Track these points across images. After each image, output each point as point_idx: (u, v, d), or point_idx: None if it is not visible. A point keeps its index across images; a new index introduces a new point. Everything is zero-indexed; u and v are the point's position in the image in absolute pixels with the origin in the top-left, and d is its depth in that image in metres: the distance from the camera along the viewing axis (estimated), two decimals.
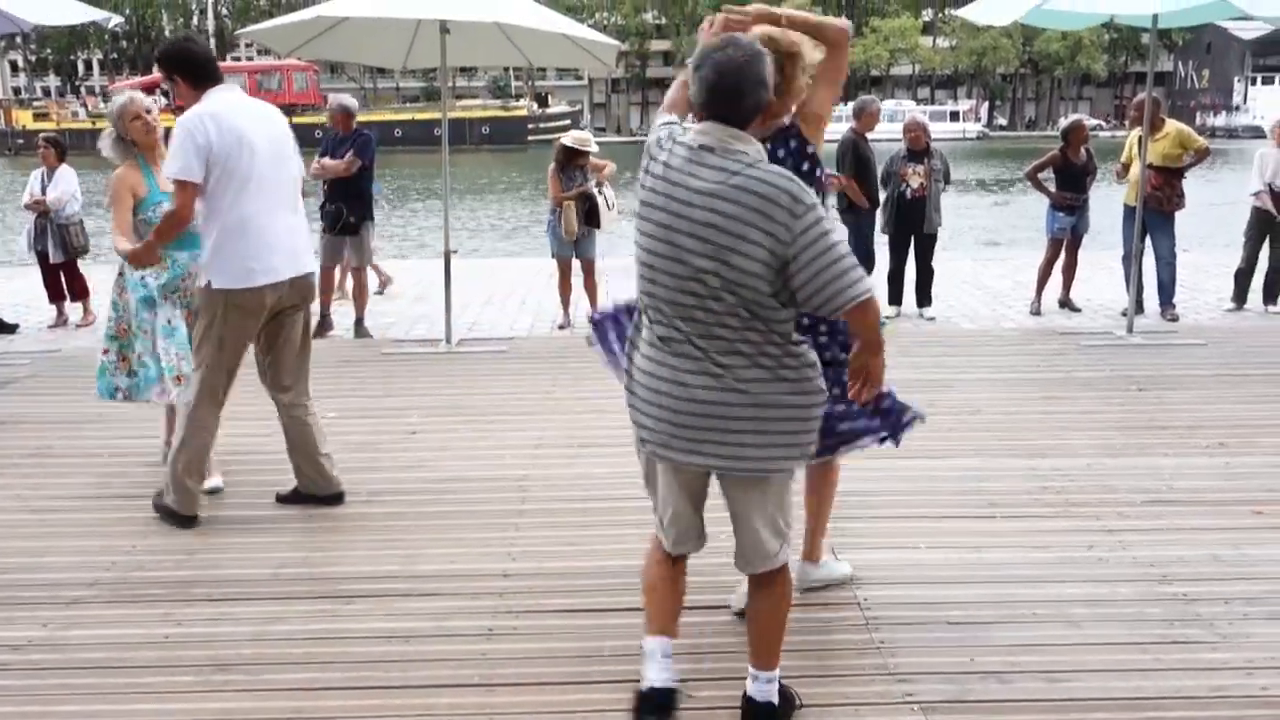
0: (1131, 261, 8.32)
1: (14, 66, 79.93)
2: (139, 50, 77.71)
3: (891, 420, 3.38)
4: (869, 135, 8.67)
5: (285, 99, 53.89)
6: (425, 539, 4.33)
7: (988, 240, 18.44)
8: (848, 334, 3.22)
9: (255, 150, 4.21)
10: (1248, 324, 8.77)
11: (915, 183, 8.72)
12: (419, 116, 53.61)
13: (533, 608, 3.72)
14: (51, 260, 8.98)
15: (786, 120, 3.20)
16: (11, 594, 3.86)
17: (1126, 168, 8.88)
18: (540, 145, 49.08)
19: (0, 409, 6.29)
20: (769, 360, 2.68)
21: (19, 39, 66.79)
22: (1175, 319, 8.62)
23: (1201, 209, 15.90)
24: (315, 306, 8.17)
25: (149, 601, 3.80)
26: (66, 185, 8.90)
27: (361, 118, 8.75)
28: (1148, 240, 8.55)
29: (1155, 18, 7.66)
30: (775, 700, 2.95)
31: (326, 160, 8.16)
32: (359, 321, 8.48)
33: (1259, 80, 75.98)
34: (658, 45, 78.97)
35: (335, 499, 4.66)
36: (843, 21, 3.23)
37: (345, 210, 8.15)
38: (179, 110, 4.26)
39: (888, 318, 8.92)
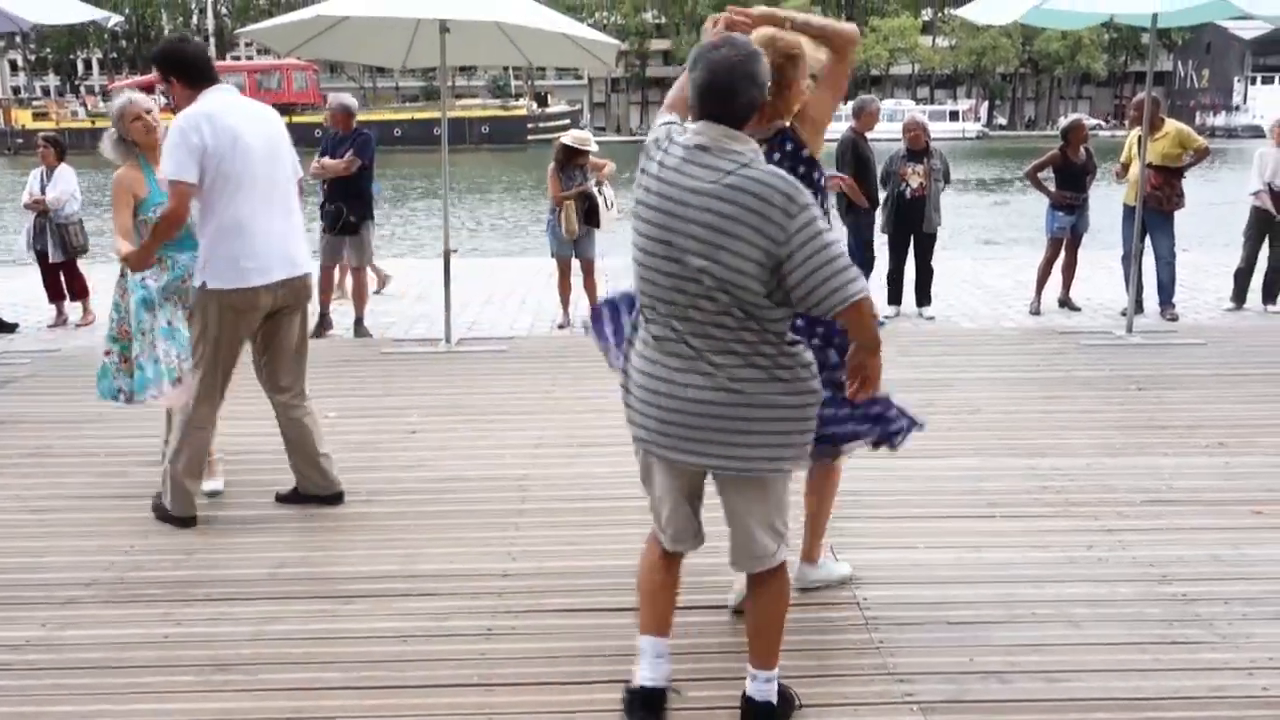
0: (1131, 261, 8.32)
1: (13, 66, 79.91)
2: (138, 50, 77.63)
3: (880, 427, 3.37)
4: (868, 135, 8.66)
5: (285, 98, 53.90)
6: (425, 539, 4.33)
7: (986, 240, 18.44)
8: (843, 337, 3.23)
9: (250, 150, 4.20)
10: (1247, 323, 8.78)
11: (915, 182, 8.73)
12: (418, 116, 53.59)
13: (532, 607, 3.72)
14: (51, 260, 8.98)
15: (785, 123, 3.20)
16: (10, 594, 3.86)
17: (1126, 167, 8.88)
18: (540, 145, 49.08)
19: None
20: (763, 360, 2.68)
21: (18, 38, 66.80)
22: (1175, 318, 8.62)
23: (1201, 208, 15.90)
24: (315, 306, 8.27)
25: (148, 601, 3.79)
26: (66, 185, 8.90)
27: (361, 117, 8.74)
28: (1147, 240, 8.55)
29: (1155, 17, 7.66)
30: (774, 700, 2.95)
31: (326, 160, 8.15)
32: (359, 321, 8.48)
33: (1259, 80, 75.97)
34: (657, 45, 78.95)
35: (335, 499, 4.66)
36: (850, 28, 3.19)
37: (345, 210, 8.14)
38: (177, 111, 4.26)
39: (887, 317, 8.93)
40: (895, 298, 9.15)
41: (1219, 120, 74.08)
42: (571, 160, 8.43)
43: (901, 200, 8.79)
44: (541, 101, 63.98)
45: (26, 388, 6.81)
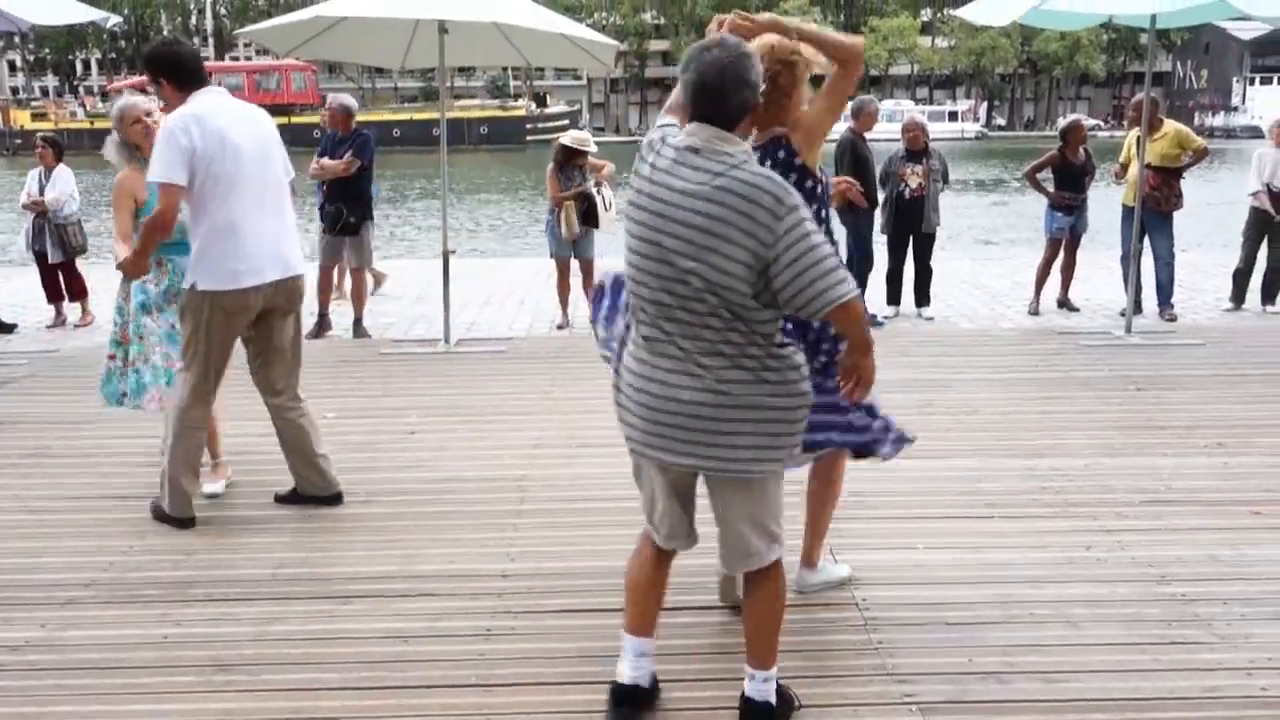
0: (1130, 261, 8.33)
1: (12, 66, 79.87)
2: (137, 50, 77.53)
3: (856, 436, 3.39)
4: (867, 135, 8.67)
5: (284, 99, 53.93)
6: (423, 539, 4.33)
7: (984, 240, 18.44)
8: (833, 342, 3.25)
9: (240, 152, 4.20)
10: (1246, 324, 8.78)
11: (914, 183, 8.73)
12: (417, 116, 53.55)
13: (531, 608, 3.72)
14: (50, 260, 8.98)
15: (783, 130, 3.20)
16: (9, 594, 3.85)
17: (1125, 168, 8.89)
18: (539, 145, 49.08)
19: None
20: (751, 362, 2.68)
21: (17, 39, 66.72)
22: (1173, 319, 8.63)
23: (1200, 209, 15.91)
24: (314, 307, 8.27)
25: (147, 602, 3.79)
26: (64, 185, 8.90)
27: (360, 118, 8.73)
28: (1146, 240, 8.56)
29: (1154, 18, 7.67)
30: (773, 700, 2.96)
31: (326, 160, 8.15)
32: (357, 321, 8.48)
33: (1257, 80, 76.01)
34: (656, 45, 78.94)
35: (334, 499, 4.66)
36: (856, 42, 3.16)
37: (345, 211, 8.14)
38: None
39: (886, 318, 8.93)
40: (894, 298, 9.16)
41: (1217, 121, 74.13)
42: (570, 161, 8.44)
43: (900, 201, 8.80)
44: (540, 102, 64.01)
45: (25, 388, 6.80)
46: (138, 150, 4.66)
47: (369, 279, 9.27)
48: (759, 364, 2.68)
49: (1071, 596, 3.75)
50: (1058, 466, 5.07)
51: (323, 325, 8.42)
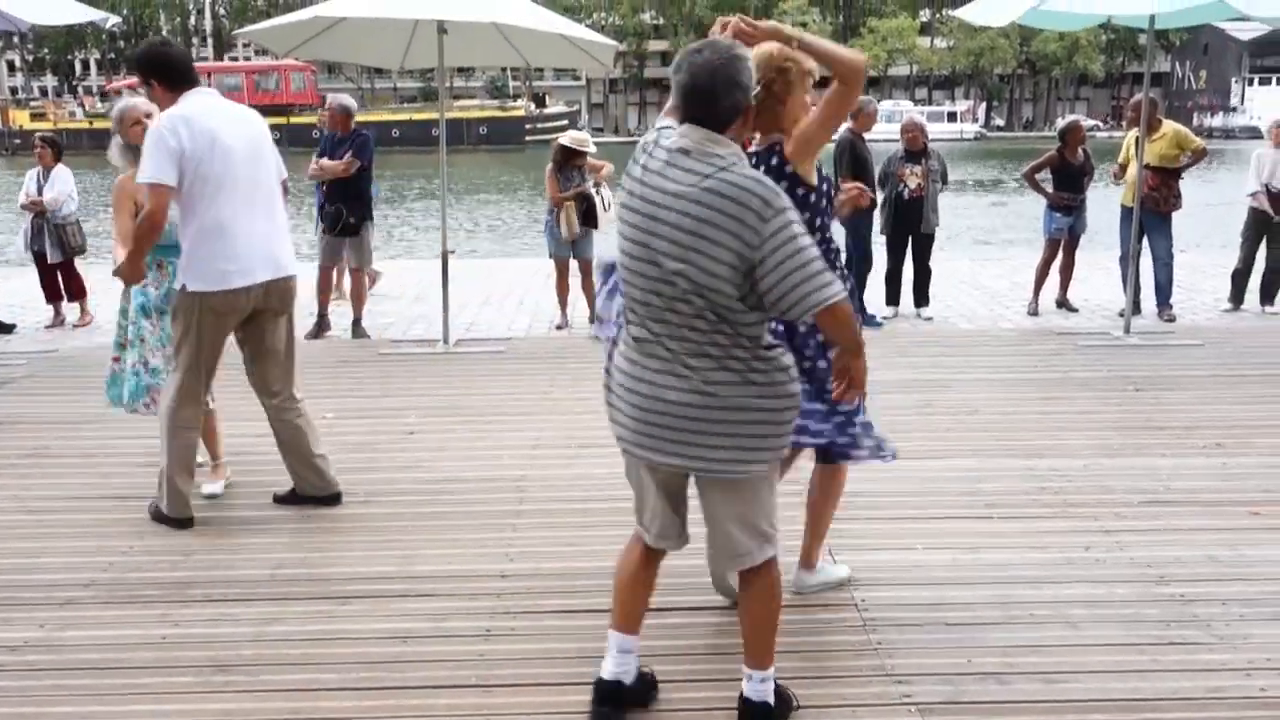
0: (1128, 262, 8.33)
1: (11, 66, 79.87)
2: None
3: (836, 434, 3.40)
4: (866, 136, 8.67)
5: (283, 99, 53.99)
6: (423, 539, 4.33)
7: (983, 241, 18.44)
8: (816, 350, 3.26)
9: (230, 152, 4.19)
10: (1244, 324, 8.79)
11: (913, 183, 8.73)
12: (416, 117, 53.54)
13: (530, 608, 3.72)
14: (49, 260, 8.98)
15: (780, 137, 3.20)
16: (8, 595, 3.85)
17: (1124, 168, 8.89)
18: (538, 145, 49.09)
19: None
20: (737, 364, 2.68)
21: (16, 39, 66.74)
22: (1172, 319, 8.63)
23: (1198, 209, 15.91)
24: (313, 307, 8.28)
25: (146, 602, 3.79)
26: (63, 185, 8.90)
27: (359, 118, 8.73)
28: (1145, 241, 8.56)
29: (1152, 18, 7.67)
30: (771, 700, 2.96)
31: (325, 161, 8.15)
32: (356, 322, 8.48)
33: (1256, 81, 76.06)
34: (655, 45, 78.94)
35: (333, 499, 4.66)
36: (857, 57, 3.14)
37: (345, 211, 8.14)
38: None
39: (885, 318, 8.93)
40: (893, 298, 9.16)
41: (1216, 121, 74.18)
42: (569, 161, 8.44)
43: (900, 201, 8.80)
44: (539, 102, 64.00)
45: (24, 388, 6.80)
46: (138, 152, 4.66)
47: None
48: (745, 365, 2.69)
49: (1070, 597, 3.75)
50: (1057, 467, 5.07)
51: (322, 326, 8.42)
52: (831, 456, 3.53)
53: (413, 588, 3.88)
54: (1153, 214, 8.44)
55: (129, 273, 4.36)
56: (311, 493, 4.65)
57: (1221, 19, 7.78)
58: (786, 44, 3.09)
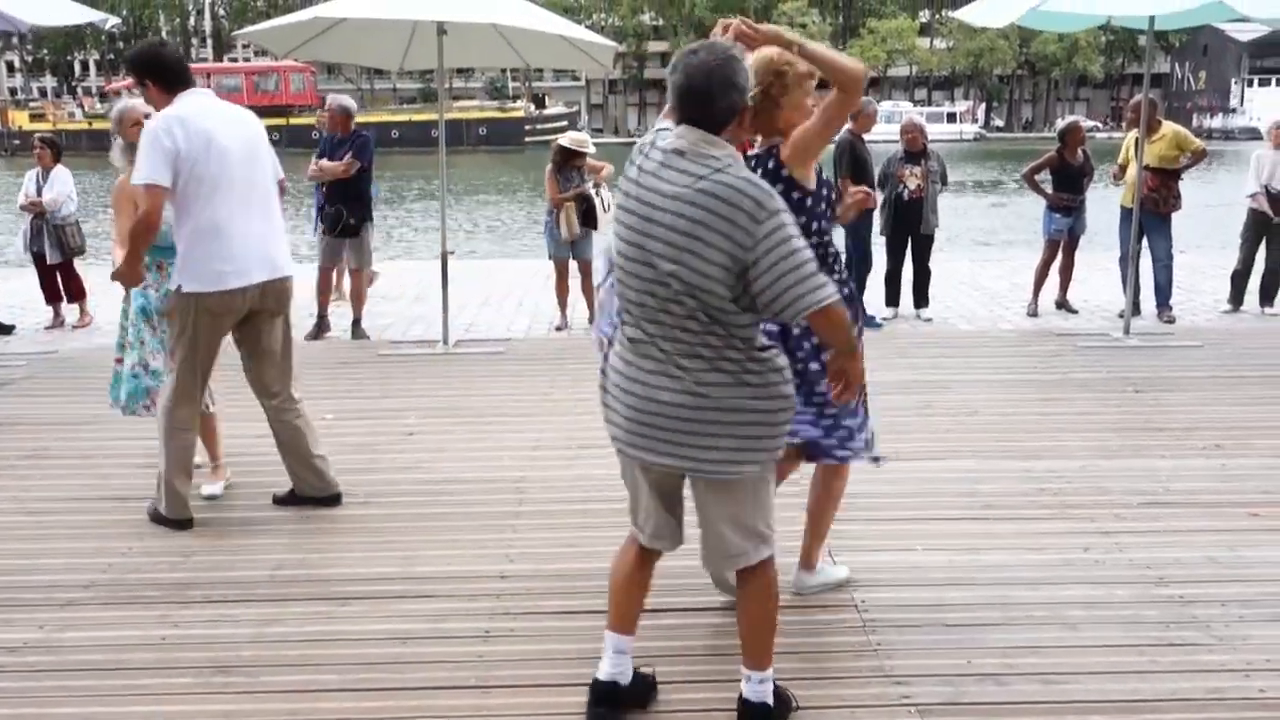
0: (1128, 263, 8.33)
1: (10, 67, 79.89)
2: None
3: (825, 432, 3.40)
4: (866, 136, 8.67)
5: (282, 100, 53.97)
6: (422, 540, 4.33)
7: (983, 241, 18.45)
8: (809, 352, 3.26)
9: (227, 153, 4.19)
10: (1244, 325, 8.79)
11: (912, 184, 8.74)
12: (416, 118, 53.55)
13: (530, 609, 3.72)
14: (48, 261, 8.98)
15: (779, 141, 3.20)
16: (8, 596, 3.85)
17: (1123, 169, 8.89)
18: (537, 146, 49.09)
19: None
20: (730, 365, 2.68)
21: (16, 39, 66.74)
22: (1172, 320, 8.63)
23: (1198, 210, 15.90)
24: (313, 308, 8.28)
25: (146, 603, 3.79)
26: (62, 186, 8.89)
27: (359, 119, 8.73)
28: (1144, 242, 8.57)
29: (1152, 19, 7.68)
30: (770, 701, 2.96)
31: (325, 162, 8.16)
32: (356, 323, 8.48)
33: (1255, 82, 76.09)
34: (655, 46, 78.92)
35: (332, 500, 4.66)
36: (857, 66, 3.14)
37: (345, 212, 8.14)
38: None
39: (885, 319, 8.93)
40: (893, 299, 9.17)
41: (1216, 122, 74.21)
42: (569, 162, 8.44)
43: (899, 202, 8.80)
44: (539, 103, 64.01)
45: (23, 389, 6.80)
46: None
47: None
48: (739, 367, 2.69)
49: (1069, 598, 3.75)
50: (1056, 468, 5.07)
51: (322, 326, 8.42)
52: (817, 456, 3.52)
53: (412, 589, 3.88)
54: (1152, 215, 8.45)
55: (127, 275, 4.36)
56: (311, 494, 4.65)
57: (1221, 20, 7.78)
58: (786, 49, 3.10)
